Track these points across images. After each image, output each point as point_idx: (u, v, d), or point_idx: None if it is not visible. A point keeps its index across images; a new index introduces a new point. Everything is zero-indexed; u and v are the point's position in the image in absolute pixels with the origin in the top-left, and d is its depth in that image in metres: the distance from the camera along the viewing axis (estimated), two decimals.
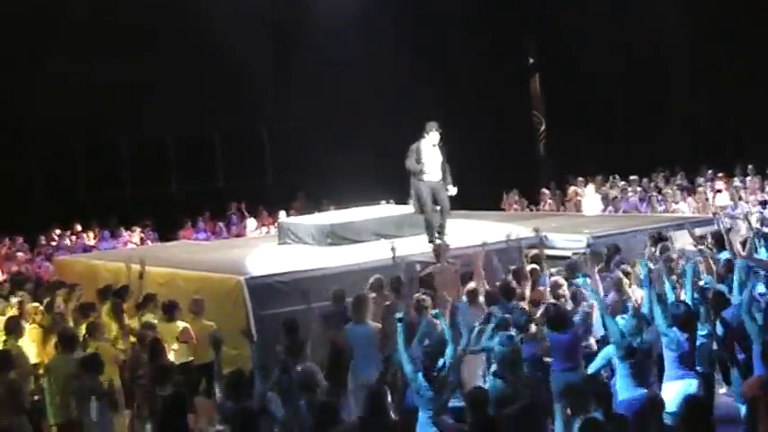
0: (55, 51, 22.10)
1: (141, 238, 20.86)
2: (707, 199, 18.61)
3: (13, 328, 11.51)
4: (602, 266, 12.26)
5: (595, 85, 24.40)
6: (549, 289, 11.25)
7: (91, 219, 21.73)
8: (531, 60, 25.85)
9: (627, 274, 11.52)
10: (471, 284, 11.66)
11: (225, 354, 12.38)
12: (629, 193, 19.79)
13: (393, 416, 8.30)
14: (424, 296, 11.10)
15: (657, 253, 12.50)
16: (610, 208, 19.07)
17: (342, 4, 21.98)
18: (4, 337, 11.55)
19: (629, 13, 24.03)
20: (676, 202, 18.62)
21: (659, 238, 13.00)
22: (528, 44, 25.71)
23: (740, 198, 18.19)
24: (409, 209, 17.29)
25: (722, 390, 10.52)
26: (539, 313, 10.89)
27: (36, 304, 12.94)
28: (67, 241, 20.56)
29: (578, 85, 24.30)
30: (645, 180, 20.98)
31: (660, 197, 19.21)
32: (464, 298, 11.58)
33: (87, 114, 22.98)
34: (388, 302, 11.43)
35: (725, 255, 12.42)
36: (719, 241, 12.69)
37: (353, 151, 22.85)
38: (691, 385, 9.09)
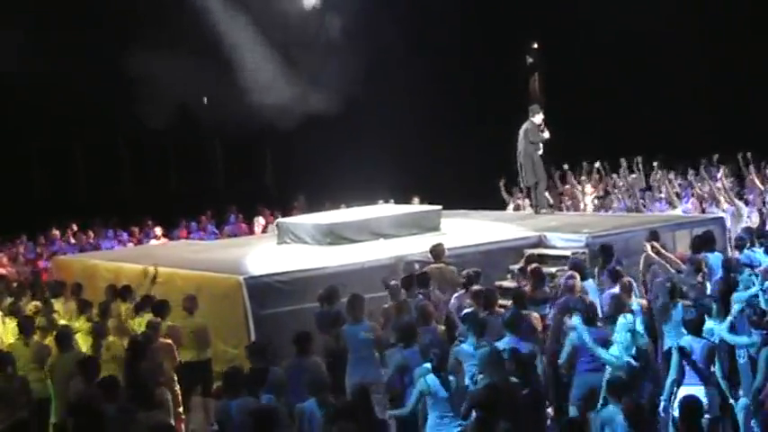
0: (55, 50, 22.10)
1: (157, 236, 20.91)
2: (704, 198, 18.47)
3: (28, 327, 11.56)
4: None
5: (595, 84, 24.40)
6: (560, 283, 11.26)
7: (91, 218, 21.74)
8: (531, 60, 25.86)
9: (619, 276, 11.49)
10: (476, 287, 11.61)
11: (225, 353, 12.54)
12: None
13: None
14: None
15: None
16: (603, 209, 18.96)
17: (343, 3, 21.97)
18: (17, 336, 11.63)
19: (630, 13, 24.01)
20: (674, 206, 18.44)
21: (652, 238, 13.00)
22: (527, 44, 25.71)
23: (742, 199, 18.07)
24: (409, 208, 17.41)
25: None
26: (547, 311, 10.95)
27: (37, 303, 12.99)
28: (70, 240, 20.56)
29: (578, 84, 24.30)
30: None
31: (652, 196, 19.09)
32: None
33: (88, 114, 22.98)
34: (397, 301, 11.43)
35: (716, 255, 12.46)
36: (705, 242, 12.71)
37: (353, 151, 22.86)
38: (699, 392, 8.95)
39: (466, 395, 8.59)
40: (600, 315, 11.09)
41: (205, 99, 22.79)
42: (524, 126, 16.78)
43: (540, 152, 16.80)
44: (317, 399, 8.46)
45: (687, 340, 9.18)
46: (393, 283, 11.74)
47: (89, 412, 8.31)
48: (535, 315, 10.63)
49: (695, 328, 9.26)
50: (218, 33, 21.13)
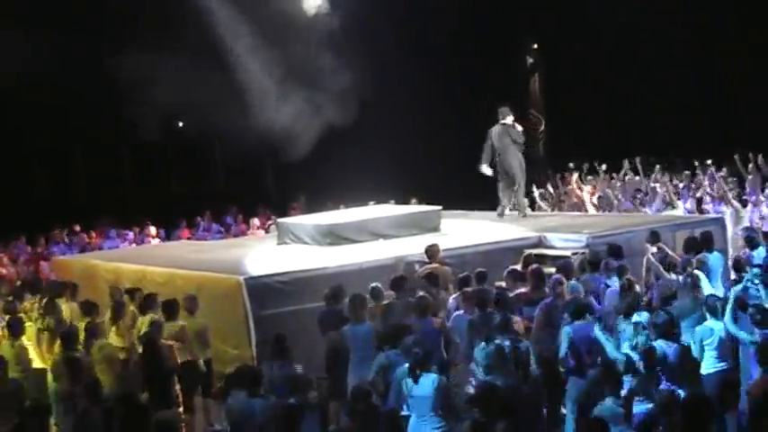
0: (56, 51, 22.09)
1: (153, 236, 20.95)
2: (701, 196, 18.50)
3: (17, 328, 11.55)
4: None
5: (595, 84, 24.40)
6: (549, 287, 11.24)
7: (91, 218, 21.74)
8: (531, 61, 25.87)
9: (624, 272, 11.47)
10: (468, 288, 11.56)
11: (225, 353, 12.54)
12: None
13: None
14: (426, 295, 11.11)
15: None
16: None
17: (342, 4, 21.97)
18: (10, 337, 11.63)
19: (631, 13, 24.02)
20: (674, 207, 18.44)
21: (654, 239, 12.98)
22: (527, 44, 25.71)
23: (741, 200, 18.07)
24: (409, 209, 17.41)
25: None
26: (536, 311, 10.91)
27: (32, 302, 13.02)
28: (67, 241, 20.57)
29: (578, 84, 24.30)
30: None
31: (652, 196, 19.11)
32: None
33: (88, 114, 22.98)
34: (386, 302, 11.43)
35: (715, 255, 12.48)
36: (708, 241, 12.72)
37: (353, 151, 22.85)
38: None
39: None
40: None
41: (181, 123, 22.73)
42: (497, 129, 16.40)
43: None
44: (296, 398, 8.47)
45: (659, 344, 9.07)
46: (374, 285, 11.67)
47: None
48: (516, 318, 10.51)
49: (666, 331, 9.20)
50: (219, 37, 21.10)
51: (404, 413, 8.96)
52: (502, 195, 16.63)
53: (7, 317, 12.47)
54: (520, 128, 16.58)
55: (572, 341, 9.77)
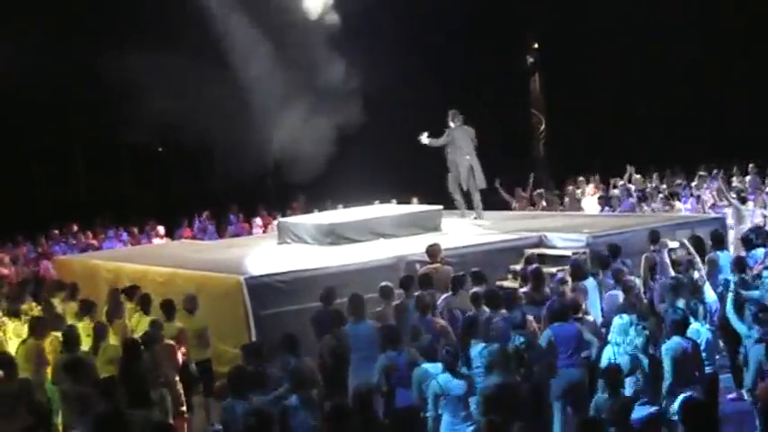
0: (57, 51, 22.10)
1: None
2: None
3: (37, 328, 11.52)
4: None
5: (595, 84, 24.42)
6: (552, 286, 11.24)
7: (91, 218, 21.74)
8: (531, 60, 25.85)
9: (620, 276, 11.47)
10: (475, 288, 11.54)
11: (225, 353, 12.53)
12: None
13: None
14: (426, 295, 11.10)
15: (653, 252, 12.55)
16: (607, 208, 18.97)
17: (341, 2, 21.97)
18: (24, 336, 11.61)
19: (631, 12, 24.05)
20: (673, 207, 18.45)
21: (654, 238, 12.97)
22: (528, 44, 25.69)
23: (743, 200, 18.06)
24: (410, 208, 17.42)
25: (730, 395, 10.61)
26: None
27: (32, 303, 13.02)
28: (68, 241, 20.56)
29: (578, 84, 24.30)
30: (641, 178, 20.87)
31: (654, 197, 19.13)
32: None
33: (88, 114, 22.98)
34: (397, 302, 11.41)
35: (726, 254, 12.49)
36: (719, 240, 12.72)
37: (353, 151, 22.85)
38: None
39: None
40: (601, 314, 11.17)
41: (180, 125, 22.79)
42: (461, 132, 16.76)
43: None
44: (299, 395, 8.46)
45: (677, 341, 9.08)
46: (384, 284, 11.66)
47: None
48: (529, 317, 10.50)
49: (682, 329, 9.20)
50: (219, 39, 21.09)
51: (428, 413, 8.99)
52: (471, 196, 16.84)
53: (10, 318, 12.47)
54: None
55: (551, 342, 9.75)
